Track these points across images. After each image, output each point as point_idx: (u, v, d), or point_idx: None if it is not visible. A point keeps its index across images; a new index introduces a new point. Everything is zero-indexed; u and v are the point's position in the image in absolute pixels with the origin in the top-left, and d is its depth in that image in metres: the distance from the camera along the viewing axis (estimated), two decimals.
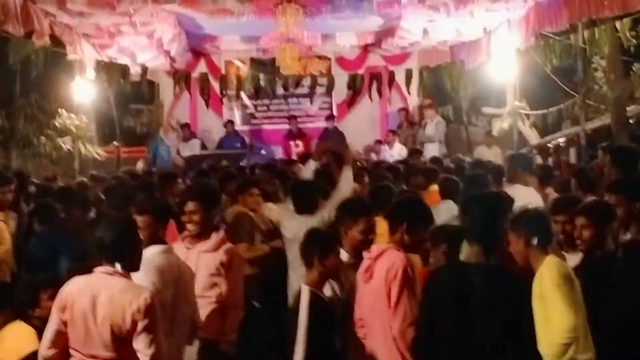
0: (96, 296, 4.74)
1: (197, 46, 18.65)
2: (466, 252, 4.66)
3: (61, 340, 4.85)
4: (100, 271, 4.82)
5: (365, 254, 5.41)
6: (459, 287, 4.50)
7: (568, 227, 5.85)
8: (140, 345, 4.72)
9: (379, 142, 18.26)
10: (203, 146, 18.28)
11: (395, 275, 5.10)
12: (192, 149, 17.75)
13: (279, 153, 18.94)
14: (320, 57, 19.86)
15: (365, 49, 19.75)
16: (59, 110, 16.68)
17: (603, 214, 5.57)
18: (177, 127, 18.81)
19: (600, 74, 15.93)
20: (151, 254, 5.48)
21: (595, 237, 5.44)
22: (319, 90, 18.84)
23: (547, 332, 4.62)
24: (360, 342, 5.45)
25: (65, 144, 16.48)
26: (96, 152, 16.92)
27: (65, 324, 4.81)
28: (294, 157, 18.20)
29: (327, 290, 5.55)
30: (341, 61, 20.06)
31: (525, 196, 7.60)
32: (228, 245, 6.43)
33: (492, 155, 15.01)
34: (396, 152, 17.03)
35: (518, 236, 4.79)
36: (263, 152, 18.55)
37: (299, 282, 6.86)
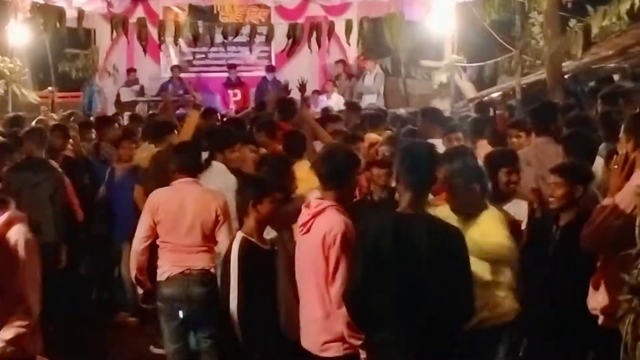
0: (183, 199, 6.36)
1: None
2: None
3: (149, 237, 6.45)
4: (180, 182, 6.44)
5: (304, 208, 5.21)
6: (395, 236, 4.48)
7: (511, 177, 6.24)
8: (222, 235, 6.24)
9: (316, 92, 18.26)
10: (142, 92, 18.15)
11: (334, 240, 4.92)
12: (131, 94, 17.61)
13: (217, 102, 18.85)
14: (259, 6, 19.76)
15: None
16: None
17: (577, 173, 5.81)
18: (113, 73, 18.56)
19: (538, 29, 16.06)
20: None
21: (567, 196, 5.71)
22: (258, 39, 18.68)
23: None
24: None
25: None
26: (31, 96, 16.63)
27: (156, 224, 6.39)
28: (232, 106, 18.26)
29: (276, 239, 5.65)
30: (281, 10, 19.95)
31: None
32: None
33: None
34: (334, 102, 17.04)
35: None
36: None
37: None
